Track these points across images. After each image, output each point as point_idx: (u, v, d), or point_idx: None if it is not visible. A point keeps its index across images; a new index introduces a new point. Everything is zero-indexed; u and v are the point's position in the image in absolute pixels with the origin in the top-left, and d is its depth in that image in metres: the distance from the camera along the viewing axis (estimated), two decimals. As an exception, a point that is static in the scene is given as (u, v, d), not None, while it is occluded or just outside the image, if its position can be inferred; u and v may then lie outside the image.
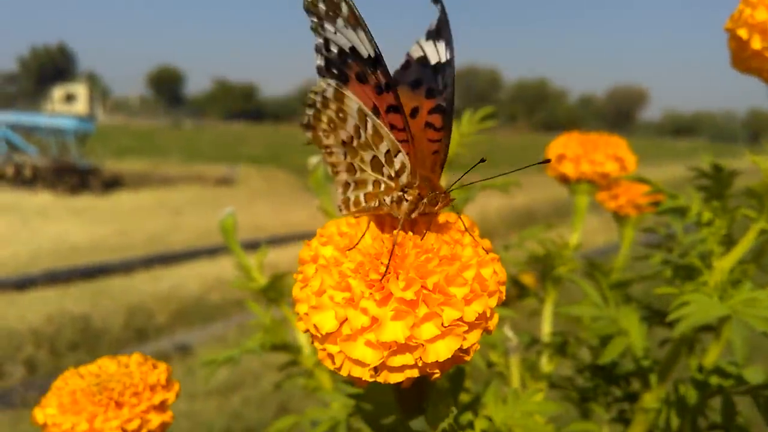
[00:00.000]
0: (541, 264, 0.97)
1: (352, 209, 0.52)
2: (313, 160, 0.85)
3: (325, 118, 0.51)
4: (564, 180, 1.09)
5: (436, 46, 0.52)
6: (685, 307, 0.65)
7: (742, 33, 0.69)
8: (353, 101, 0.47)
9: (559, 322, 1.08)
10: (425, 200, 0.47)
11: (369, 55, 0.46)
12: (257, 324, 1.00)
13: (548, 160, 0.50)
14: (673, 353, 0.77)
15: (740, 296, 0.68)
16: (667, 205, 0.78)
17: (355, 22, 0.45)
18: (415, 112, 0.51)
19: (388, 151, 0.48)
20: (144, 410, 0.62)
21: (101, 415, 0.61)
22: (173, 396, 0.66)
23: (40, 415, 0.63)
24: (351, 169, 0.52)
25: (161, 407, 0.65)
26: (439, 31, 0.52)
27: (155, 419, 0.63)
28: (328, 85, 0.48)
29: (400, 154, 0.47)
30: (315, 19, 0.46)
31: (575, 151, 1.05)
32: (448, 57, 0.51)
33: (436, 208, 0.48)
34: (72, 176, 12.79)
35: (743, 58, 0.71)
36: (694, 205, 0.77)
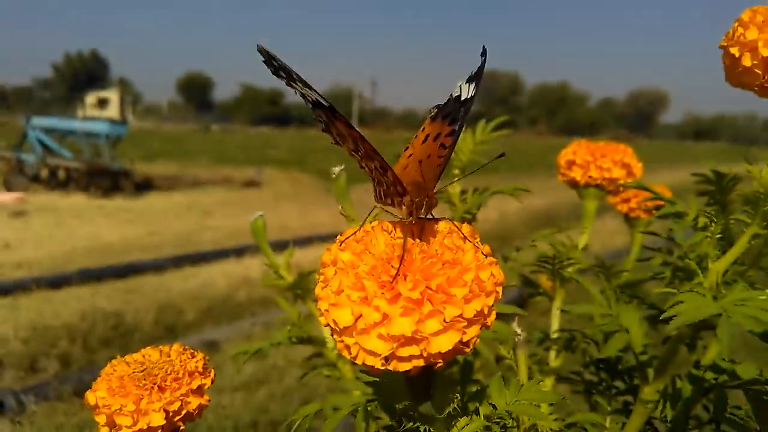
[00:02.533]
0: (550, 264, 1.02)
1: (381, 202, 0.61)
2: (336, 168, 0.91)
3: (334, 132, 0.58)
4: (573, 185, 1.14)
5: (469, 86, 0.63)
6: (679, 306, 0.70)
7: (735, 51, 0.74)
8: (345, 128, 0.55)
9: (571, 320, 1.13)
10: (414, 204, 0.56)
11: (329, 105, 0.54)
12: (284, 320, 1.07)
13: (503, 154, 0.61)
14: (671, 349, 0.82)
15: (732, 296, 0.72)
16: (665, 210, 0.82)
17: (306, 84, 0.54)
18: (437, 136, 0.61)
19: (380, 167, 0.56)
20: (184, 393, 0.70)
21: (146, 397, 0.69)
22: (209, 382, 0.73)
23: (91, 397, 0.70)
24: (368, 170, 0.59)
25: (199, 391, 0.72)
26: (476, 77, 0.63)
27: (194, 402, 0.71)
28: (323, 116, 0.57)
29: (389, 171, 0.55)
30: (285, 82, 0.56)
31: (584, 158, 1.10)
32: (473, 94, 0.62)
33: (423, 210, 0.56)
34: (105, 179, 13.11)
35: (735, 74, 0.76)
36: (691, 211, 0.82)
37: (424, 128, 0.64)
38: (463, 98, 0.62)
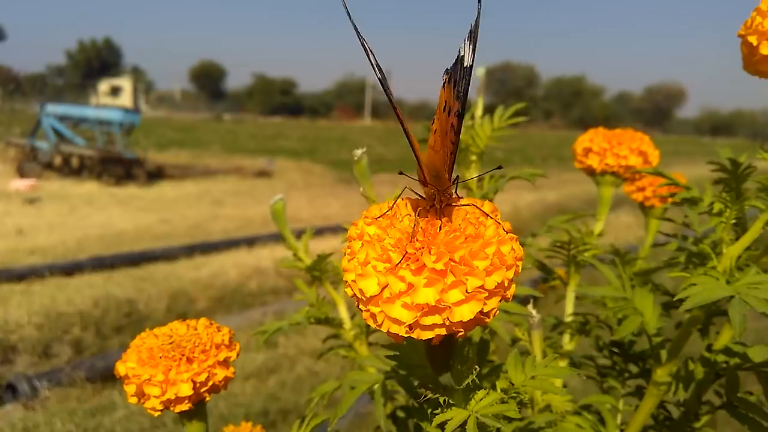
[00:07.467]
0: (566, 249, 1.04)
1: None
2: (358, 151, 0.93)
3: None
4: (590, 172, 1.15)
5: (468, 48, 0.55)
6: (692, 288, 0.72)
7: (753, 39, 0.75)
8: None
9: (584, 304, 1.14)
10: (433, 198, 0.57)
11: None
12: (302, 299, 1.10)
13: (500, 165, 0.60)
14: (684, 332, 0.83)
15: (746, 280, 0.74)
16: (681, 196, 0.84)
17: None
18: (450, 110, 0.56)
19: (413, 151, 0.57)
20: (211, 365, 0.73)
21: (174, 368, 0.71)
22: (234, 355, 0.76)
23: (121, 368, 0.73)
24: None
25: (225, 363, 0.75)
26: (471, 34, 0.55)
27: (220, 373, 0.73)
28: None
29: (418, 161, 0.57)
30: (367, 55, 0.55)
31: (601, 145, 1.11)
32: (470, 64, 0.55)
33: (437, 203, 0.56)
34: (117, 167, 13.22)
35: (753, 62, 0.77)
36: (706, 197, 0.83)
37: (441, 94, 0.58)
38: (465, 64, 0.55)
